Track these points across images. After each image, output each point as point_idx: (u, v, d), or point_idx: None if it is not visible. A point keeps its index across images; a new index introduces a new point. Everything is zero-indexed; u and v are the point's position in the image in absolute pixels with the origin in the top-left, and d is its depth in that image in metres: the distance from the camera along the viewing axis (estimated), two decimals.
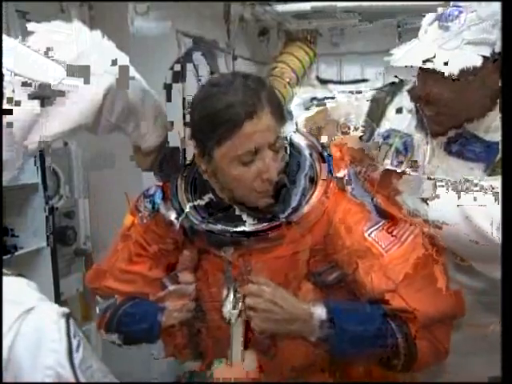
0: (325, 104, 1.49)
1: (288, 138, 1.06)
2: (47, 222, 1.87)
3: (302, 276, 1.05)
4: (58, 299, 1.91)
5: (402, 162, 1.28)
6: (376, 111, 1.37)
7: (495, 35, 1.08)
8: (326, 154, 1.07)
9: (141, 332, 1.10)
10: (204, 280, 1.11)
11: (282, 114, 0.99)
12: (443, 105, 1.18)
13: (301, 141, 1.09)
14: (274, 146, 0.96)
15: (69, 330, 0.68)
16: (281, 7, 2.81)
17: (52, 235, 1.89)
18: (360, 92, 1.46)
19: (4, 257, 1.73)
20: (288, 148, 1.05)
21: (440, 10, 1.15)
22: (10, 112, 1.00)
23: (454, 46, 1.10)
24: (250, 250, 1.03)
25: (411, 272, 0.99)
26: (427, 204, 1.06)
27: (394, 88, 1.39)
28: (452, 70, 1.08)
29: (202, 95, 0.99)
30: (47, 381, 0.65)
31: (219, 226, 1.01)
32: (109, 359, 2.30)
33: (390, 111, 1.36)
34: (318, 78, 3.25)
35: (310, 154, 1.06)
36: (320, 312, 0.97)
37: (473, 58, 1.08)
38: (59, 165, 2.07)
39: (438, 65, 1.10)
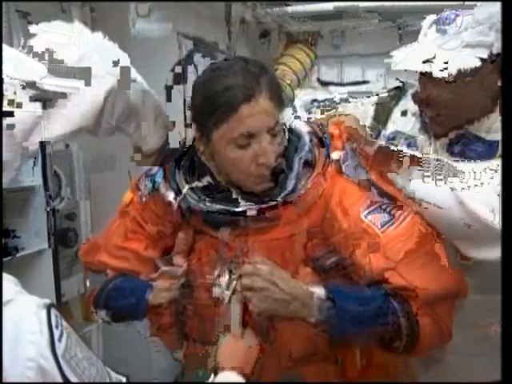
0: (326, 106, 1.50)
1: (287, 124, 1.07)
2: (48, 224, 1.88)
3: (300, 260, 1.04)
4: (59, 300, 1.92)
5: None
6: (382, 114, 1.42)
7: (492, 37, 1.09)
8: (325, 139, 1.08)
9: (128, 307, 1.09)
10: (197, 259, 1.11)
11: (280, 100, 1.00)
12: (443, 106, 1.20)
13: (302, 127, 1.11)
14: (272, 130, 0.98)
15: (50, 320, 0.67)
16: (286, 9, 2.81)
17: (53, 237, 1.89)
18: (369, 97, 1.49)
19: (5, 258, 1.74)
20: (287, 133, 1.06)
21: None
22: (11, 114, 1.00)
23: (452, 46, 1.12)
24: (247, 230, 1.03)
25: (411, 249, 0.98)
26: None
27: (399, 92, 1.43)
28: (450, 72, 1.10)
29: (203, 79, 1.01)
30: (29, 373, 0.64)
31: (216, 206, 1.02)
32: (109, 359, 2.31)
33: (396, 114, 1.40)
34: (318, 79, 3.25)
35: (310, 140, 1.08)
36: (319, 292, 0.95)
37: (470, 60, 1.09)
38: (60, 167, 2.08)
39: (436, 67, 1.11)
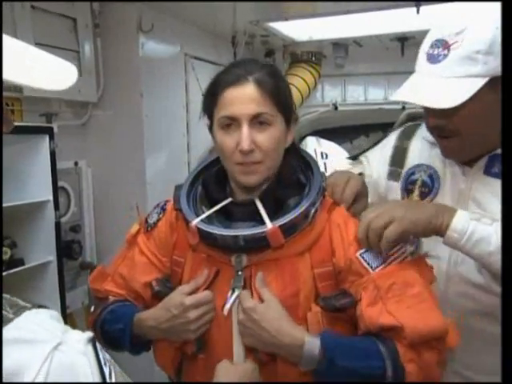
0: None
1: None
2: (56, 237, 1.91)
3: (313, 298, 1.04)
4: (64, 312, 1.95)
5: (426, 193, 1.29)
6: (398, 156, 1.39)
7: (481, 63, 1.06)
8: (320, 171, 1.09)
9: (116, 332, 1.10)
10: (189, 274, 1.10)
11: (276, 93, 1.01)
12: (454, 135, 1.15)
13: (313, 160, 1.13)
14: (257, 118, 0.99)
15: (98, 358, 0.62)
16: (296, 36, 2.89)
17: (58, 249, 1.92)
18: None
19: (11, 270, 1.78)
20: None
21: (428, 44, 1.14)
22: None
23: (446, 75, 1.10)
24: (260, 259, 1.03)
25: (399, 288, 0.98)
26: None
27: (411, 128, 1.41)
28: (448, 103, 1.07)
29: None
30: None
31: (210, 228, 1.02)
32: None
33: (413, 146, 1.36)
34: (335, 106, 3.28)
35: (322, 175, 1.09)
36: (312, 344, 0.95)
37: (465, 88, 1.06)
38: (69, 183, 2.14)
39: (433, 99, 1.10)
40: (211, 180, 1.12)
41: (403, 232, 1.02)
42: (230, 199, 1.07)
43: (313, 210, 1.03)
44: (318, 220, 1.05)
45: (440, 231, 1.05)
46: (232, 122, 1.00)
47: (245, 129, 0.99)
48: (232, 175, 1.07)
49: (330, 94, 3.35)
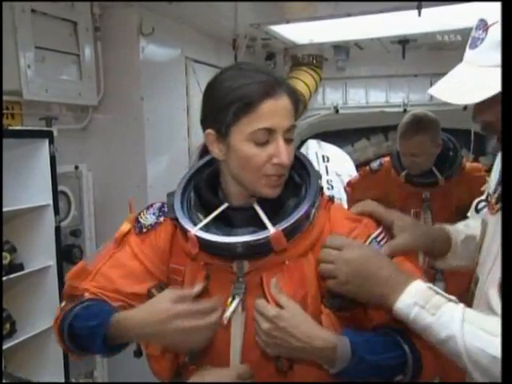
0: None
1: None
2: (56, 242, 1.90)
3: (319, 298, 1.03)
4: None
5: None
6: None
7: None
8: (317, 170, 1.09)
9: (89, 329, 0.97)
10: (189, 283, 1.05)
11: (297, 105, 1.01)
12: None
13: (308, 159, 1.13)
14: (288, 132, 0.98)
15: None
16: (299, 39, 2.89)
17: (58, 254, 1.90)
18: None
19: (12, 275, 1.77)
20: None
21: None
22: None
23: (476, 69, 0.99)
24: (263, 264, 1.01)
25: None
26: None
27: None
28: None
29: (223, 76, 1.00)
30: None
31: (210, 236, 0.99)
32: (114, 373, 2.32)
33: None
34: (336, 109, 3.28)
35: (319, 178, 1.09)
36: (345, 346, 0.92)
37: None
38: (69, 186, 2.14)
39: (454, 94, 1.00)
40: (203, 185, 1.08)
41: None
42: (226, 204, 1.04)
43: (313, 211, 1.02)
44: (318, 219, 1.04)
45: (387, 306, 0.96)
46: (265, 134, 0.96)
47: (281, 142, 0.97)
48: (253, 187, 1.01)
49: (331, 96, 3.35)
